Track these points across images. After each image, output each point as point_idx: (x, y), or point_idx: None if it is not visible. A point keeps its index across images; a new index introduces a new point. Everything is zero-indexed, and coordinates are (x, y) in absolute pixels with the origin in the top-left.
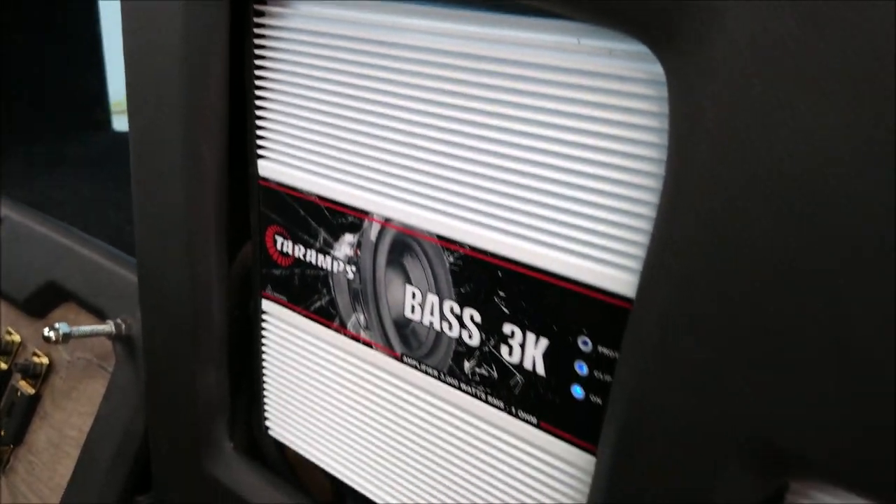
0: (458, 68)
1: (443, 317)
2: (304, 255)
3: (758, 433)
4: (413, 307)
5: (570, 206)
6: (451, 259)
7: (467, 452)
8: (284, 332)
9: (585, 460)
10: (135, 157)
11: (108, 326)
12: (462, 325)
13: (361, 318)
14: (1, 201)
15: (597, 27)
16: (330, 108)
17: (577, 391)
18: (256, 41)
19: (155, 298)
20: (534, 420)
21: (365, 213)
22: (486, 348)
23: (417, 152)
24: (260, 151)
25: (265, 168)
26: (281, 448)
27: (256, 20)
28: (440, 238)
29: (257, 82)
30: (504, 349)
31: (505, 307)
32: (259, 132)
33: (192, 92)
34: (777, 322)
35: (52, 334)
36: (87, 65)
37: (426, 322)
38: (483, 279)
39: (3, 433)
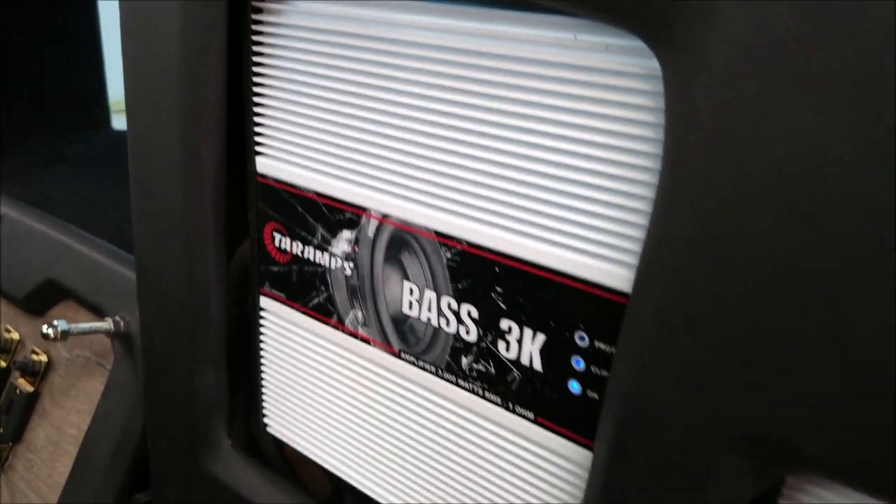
0: (456, 64)
1: (440, 313)
2: (302, 252)
3: (754, 428)
4: (411, 303)
5: (567, 201)
6: (449, 255)
7: (465, 448)
8: (283, 329)
9: (582, 455)
10: (133, 155)
11: (107, 324)
12: (459, 321)
13: (359, 314)
14: (1, 199)
15: (593, 23)
16: (328, 105)
17: (574, 386)
18: (254, 38)
19: (153, 296)
20: (531, 415)
21: (363, 210)
22: (484, 344)
23: (415, 148)
24: (258, 148)
25: (263, 165)
26: (279, 445)
27: (254, 17)
28: (438, 234)
29: (255, 79)
30: (501, 345)
31: (502, 303)
32: (257, 129)
33: (191, 91)
34: (772, 318)
35: (50, 331)
36: (86, 64)
37: (424, 318)
38: (480, 275)
39: (2, 431)
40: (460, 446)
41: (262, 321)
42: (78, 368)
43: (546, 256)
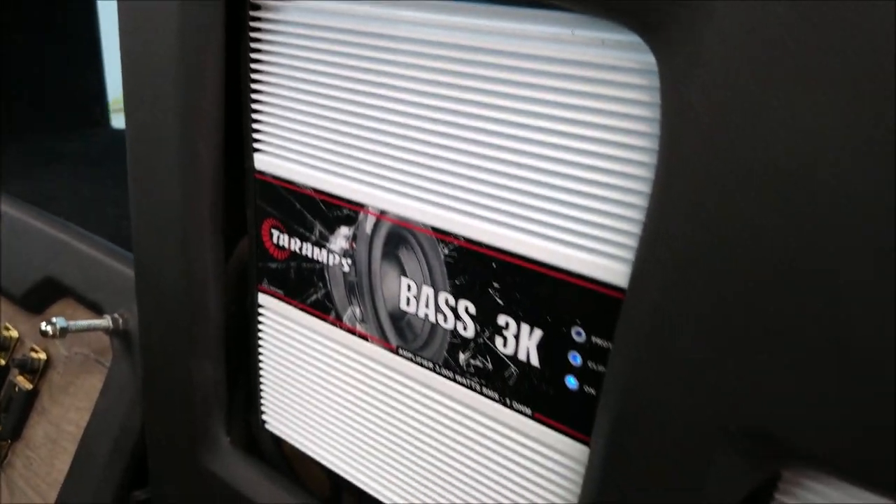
0: (453, 60)
1: (438, 309)
2: (300, 249)
3: (749, 423)
4: (408, 299)
5: (564, 196)
6: (446, 251)
7: (462, 444)
8: (281, 325)
9: (579, 451)
10: (132, 153)
11: (106, 321)
12: (457, 316)
13: (357, 311)
14: (0, 197)
15: (590, 18)
16: (326, 102)
17: (571, 382)
18: (252, 34)
19: (152, 294)
20: (528, 411)
21: (360, 206)
22: (481, 340)
23: (412, 144)
24: (256, 145)
25: (261, 162)
26: (278, 442)
27: (252, 14)
28: (435, 230)
29: (253, 76)
30: (498, 340)
31: (499, 298)
32: (255, 126)
33: (189, 88)
34: (768, 313)
35: (48, 328)
36: (85, 64)
37: (421, 314)
38: (478, 271)
39: (1, 428)
40: (458, 442)
41: (260, 318)
42: (77, 366)
43: (543, 252)
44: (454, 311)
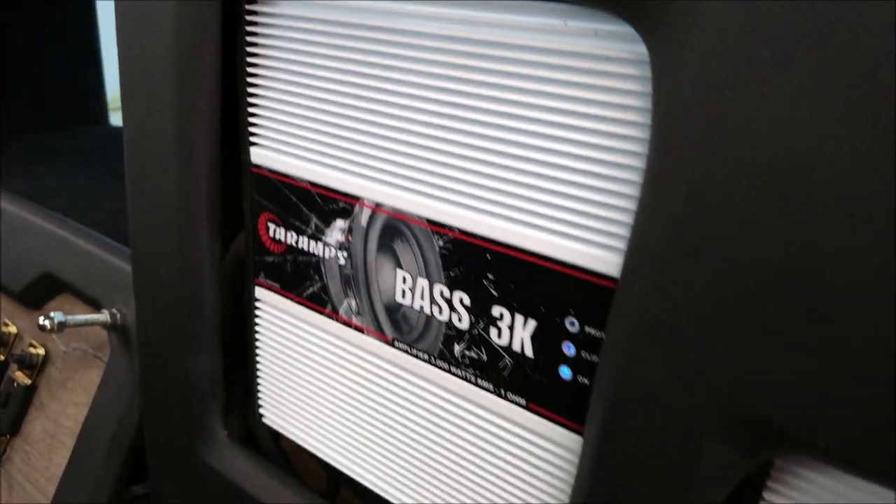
0: (446, 52)
1: (433, 301)
2: (297, 242)
3: (741, 410)
4: (404, 291)
5: (557, 187)
6: (441, 243)
7: (458, 435)
8: (277, 319)
9: (573, 441)
10: (129, 149)
11: (104, 316)
12: (452, 308)
13: (353, 303)
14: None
15: (582, 8)
16: (321, 95)
17: (565, 372)
18: (248, 28)
19: (149, 289)
20: (522, 401)
21: (356, 199)
22: (476, 331)
23: (406, 137)
24: (252, 139)
25: (258, 155)
26: (275, 436)
27: (248, 7)
28: (430, 222)
29: (249, 69)
30: (493, 331)
31: (494, 290)
32: (252, 119)
33: (185, 84)
34: (760, 299)
35: (47, 323)
36: (84, 62)
37: (416, 306)
38: (472, 262)
39: None
40: (453, 433)
41: (256, 312)
42: (75, 361)
43: (537, 242)
44: (449, 302)
